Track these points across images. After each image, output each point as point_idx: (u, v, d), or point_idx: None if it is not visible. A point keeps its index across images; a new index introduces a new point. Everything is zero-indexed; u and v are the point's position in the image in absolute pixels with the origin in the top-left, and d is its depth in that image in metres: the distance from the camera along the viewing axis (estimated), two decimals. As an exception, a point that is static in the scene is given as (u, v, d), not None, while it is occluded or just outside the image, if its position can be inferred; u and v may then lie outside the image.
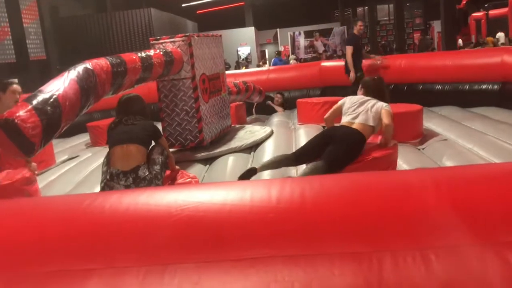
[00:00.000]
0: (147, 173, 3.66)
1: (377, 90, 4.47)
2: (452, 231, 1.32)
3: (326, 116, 4.62)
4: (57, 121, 3.47)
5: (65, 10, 12.58)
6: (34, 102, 3.36)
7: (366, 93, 4.47)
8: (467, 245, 1.30)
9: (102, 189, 3.75)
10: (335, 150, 4.02)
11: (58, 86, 3.58)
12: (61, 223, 1.51)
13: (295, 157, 4.24)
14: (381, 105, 4.26)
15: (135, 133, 3.83)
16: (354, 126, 4.17)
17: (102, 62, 4.12)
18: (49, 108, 3.38)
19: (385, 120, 4.15)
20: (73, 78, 3.71)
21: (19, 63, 9.96)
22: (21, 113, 3.21)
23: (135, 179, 3.62)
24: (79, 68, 3.85)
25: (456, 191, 1.41)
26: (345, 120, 4.30)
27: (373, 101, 4.30)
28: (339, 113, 4.45)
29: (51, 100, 3.43)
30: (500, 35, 17.36)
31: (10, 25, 9.78)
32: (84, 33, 12.19)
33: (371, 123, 4.18)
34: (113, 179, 3.67)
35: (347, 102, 4.42)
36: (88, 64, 3.94)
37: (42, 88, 3.59)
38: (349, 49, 7.76)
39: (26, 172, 4.27)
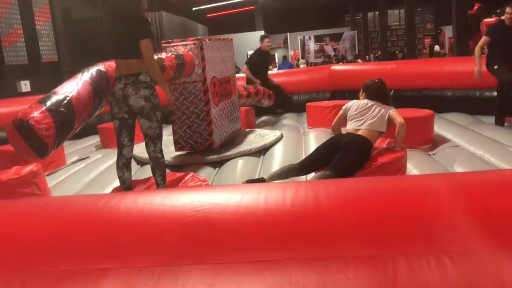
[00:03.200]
0: (149, 79, 3.64)
1: (380, 93, 4.40)
2: (467, 235, 1.31)
3: (332, 124, 4.58)
4: (71, 122, 3.50)
5: (77, 12, 12.68)
6: (48, 103, 3.40)
7: (368, 97, 4.41)
8: (482, 250, 1.29)
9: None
10: (343, 159, 3.98)
11: (71, 87, 3.61)
12: (77, 223, 1.52)
13: (303, 167, 4.18)
14: (387, 110, 4.22)
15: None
16: (360, 133, 4.13)
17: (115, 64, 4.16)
18: (62, 109, 3.41)
19: (399, 119, 4.12)
20: (86, 80, 3.75)
21: (32, 65, 10.03)
22: (35, 114, 3.24)
23: (134, 82, 3.59)
24: (93, 70, 3.88)
25: (471, 196, 1.41)
26: (350, 126, 4.25)
27: (378, 106, 4.26)
28: (344, 119, 4.40)
29: (65, 101, 3.46)
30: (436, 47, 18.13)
31: (23, 27, 9.86)
32: (96, 35, 12.29)
33: (377, 128, 4.15)
34: (115, 80, 3.73)
35: (352, 107, 4.36)
36: (101, 66, 3.98)
37: (56, 89, 3.62)
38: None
39: (33, 166, 4.32)
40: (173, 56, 5.02)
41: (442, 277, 1.26)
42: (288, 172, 4.16)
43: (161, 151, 3.89)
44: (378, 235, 1.35)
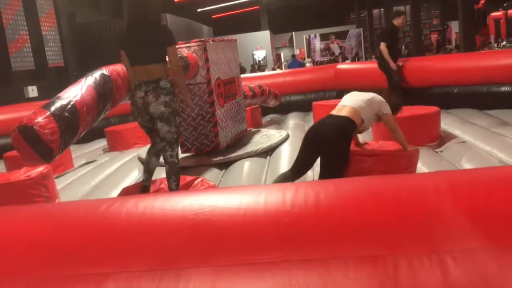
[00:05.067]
0: (169, 85, 3.73)
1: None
2: (468, 234, 1.30)
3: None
4: (75, 127, 3.51)
5: (82, 17, 12.75)
6: (52, 108, 3.42)
7: None
8: (484, 248, 1.28)
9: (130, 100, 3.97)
10: (325, 160, 3.74)
11: (75, 92, 3.63)
12: (78, 228, 1.53)
13: (295, 173, 3.97)
14: (383, 104, 3.90)
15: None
16: (343, 112, 3.79)
17: (119, 68, 4.17)
18: (67, 114, 3.43)
19: (390, 125, 3.89)
20: (90, 84, 3.76)
21: (38, 70, 10.10)
22: (40, 119, 3.26)
23: (155, 88, 3.69)
24: (96, 74, 3.90)
25: (473, 194, 1.39)
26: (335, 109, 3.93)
27: (372, 94, 3.95)
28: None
29: (69, 106, 3.48)
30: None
31: (29, 33, 9.94)
32: (101, 39, 12.35)
33: (363, 112, 3.79)
34: (135, 88, 3.81)
35: (347, 95, 4.06)
36: (104, 70, 4.00)
37: (60, 94, 3.64)
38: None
39: (43, 168, 4.35)
40: (177, 58, 5.03)
41: (443, 276, 1.25)
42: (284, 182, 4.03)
43: (177, 156, 3.91)
44: (379, 235, 1.34)
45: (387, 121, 3.89)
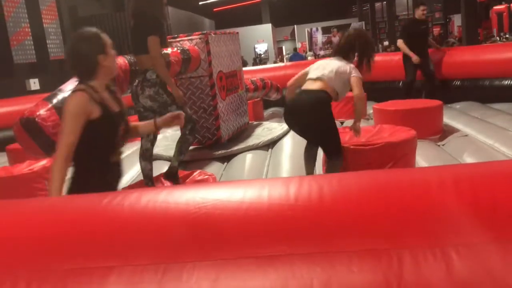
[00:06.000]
0: (154, 77, 3.81)
1: (345, 49, 3.93)
2: (472, 228, 1.29)
3: (289, 82, 4.13)
4: None
5: (84, 10, 12.71)
6: (54, 101, 3.42)
7: (333, 54, 4.02)
8: (489, 243, 1.27)
9: None
10: (315, 136, 3.72)
11: None
12: (81, 221, 1.53)
13: (307, 151, 4.06)
14: (349, 69, 3.75)
15: None
16: (314, 86, 3.73)
17: (121, 61, 4.16)
18: None
19: (356, 90, 3.68)
20: None
21: (40, 63, 10.09)
22: (42, 112, 3.26)
23: (143, 79, 3.82)
24: None
25: (477, 188, 1.39)
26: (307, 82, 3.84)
27: (339, 61, 3.83)
28: (303, 81, 3.95)
29: None
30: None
31: (30, 25, 9.91)
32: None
33: (334, 84, 3.73)
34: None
35: (313, 65, 3.97)
36: None
37: (62, 87, 3.64)
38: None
39: (46, 161, 4.36)
40: (178, 51, 5.02)
41: (448, 270, 1.24)
42: (310, 157, 4.06)
43: (191, 130, 4.10)
44: (383, 229, 1.34)
45: (353, 84, 3.75)
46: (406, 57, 7.31)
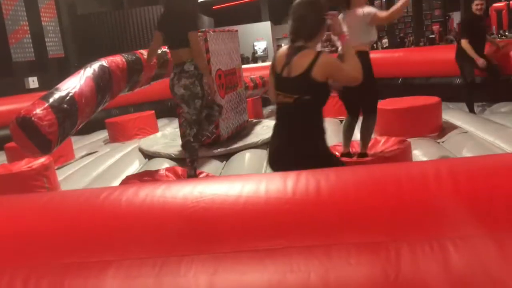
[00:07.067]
0: (192, 69, 4.01)
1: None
2: (469, 220, 1.30)
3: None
4: (74, 118, 3.51)
5: (83, 8, 12.69)
6: (51, 100, 3.41)
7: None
8: (485, 235, 1.28)
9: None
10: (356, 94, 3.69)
11: (74, 83, 3.62)
12: (79, 216, 1.53)
13: (350, 113, 4.11)
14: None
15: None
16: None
17: (118, 59, 4.16)
18: (65, 105, 3.42)
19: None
20: (89, 75, 3.75)
21: (38, 61, 10.07)
22: (38, 111, 3.25)
23: (180, 71, 4.01)
24: (95, 66, 3.88)
25: (474, 181, 1.39)
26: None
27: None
28: None
29: (68, 97, 3.47)
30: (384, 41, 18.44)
31: (29, 23, 9.89)
32: (101, 30, 12.29)
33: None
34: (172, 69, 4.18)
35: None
36: (103, 62, 3.98)
37: (58, 86, 3.63)
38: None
39: (45, 159, 4.36)
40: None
41: (445, 262, 1.25)
42: (349, 127, 4.11)
43: (195, 136, 4.20)
44: (380, 222, 1.34)
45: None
46: (463, 57, 6.64)
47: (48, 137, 3.23)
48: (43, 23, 10.39)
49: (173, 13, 4.03)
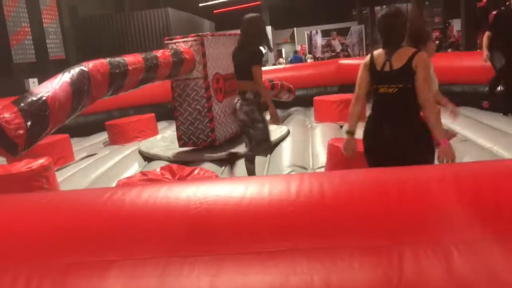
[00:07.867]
0: (252, 97, 4.39)
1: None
2: (473, 225, 1.30)
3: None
4: (44, 123, 3.47)
5: (84, 10, 12.70)
6: (21, 104, 3.38)
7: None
8: (488, 240, 1.28)
9: None
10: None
11: (49, 88, 3.59)
12: (82, 216, 1.53)
13: None
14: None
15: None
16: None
17: (100, 64, 4.10)
18: (35, 109, 3.39)
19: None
20: (66, 80, 3.71)
21: (39, 63, 10.07)
22: (6, 115, 3.25)
23: (242, 99, 4.42)
24: (74, 71, 3.84)
25: (477, 185, 1.39)
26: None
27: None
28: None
29: (40, 102, 3.43)
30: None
31: (30, 25, 9.90)
32: (103, 33, 12.31)
33: None
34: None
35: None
36: (84, 66, 3.93)
37: (33, 89, 3.62)
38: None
39: (44, 160, 4.34)
40: (170, 53, 5.02)
41: (448, 267, 1.25)
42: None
43: (253, 150, 4.54)
44: (383, 225, 1.34)
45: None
46: (491, 47, 6.58)
47: (14, 140, 3.23)
48: (44, 25, 10.40)
49: (241, 48, 4.44)
